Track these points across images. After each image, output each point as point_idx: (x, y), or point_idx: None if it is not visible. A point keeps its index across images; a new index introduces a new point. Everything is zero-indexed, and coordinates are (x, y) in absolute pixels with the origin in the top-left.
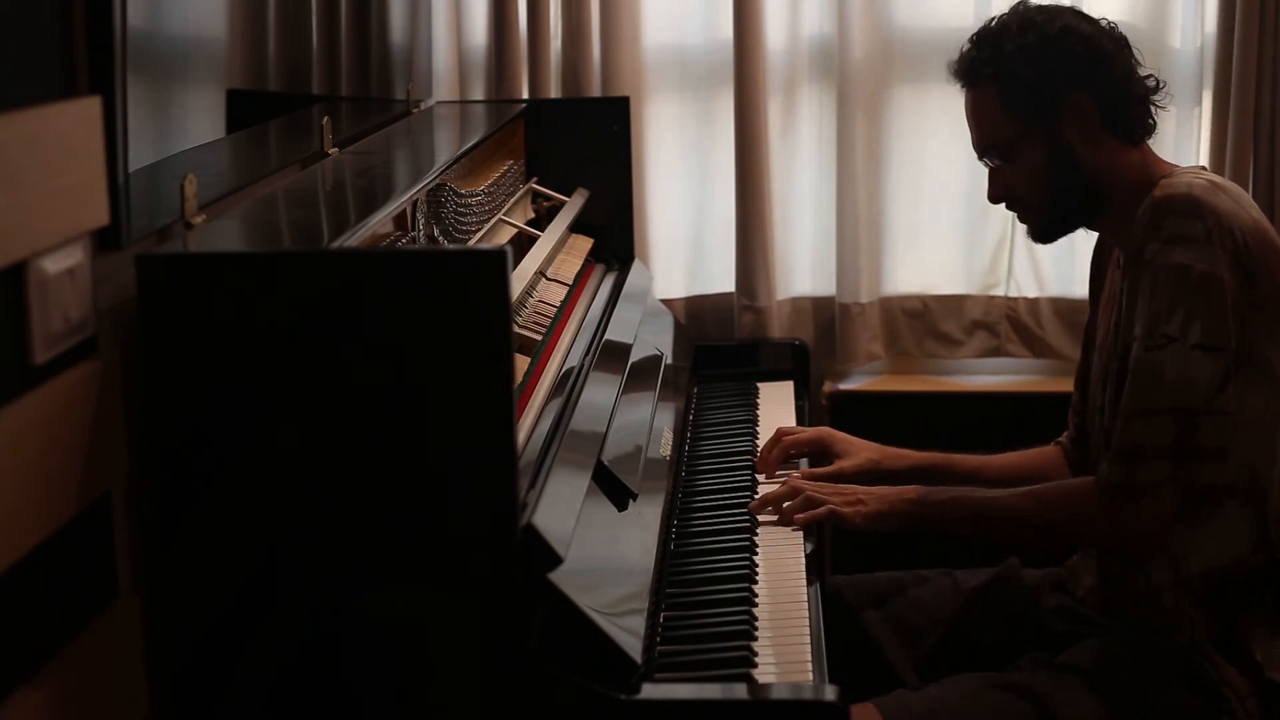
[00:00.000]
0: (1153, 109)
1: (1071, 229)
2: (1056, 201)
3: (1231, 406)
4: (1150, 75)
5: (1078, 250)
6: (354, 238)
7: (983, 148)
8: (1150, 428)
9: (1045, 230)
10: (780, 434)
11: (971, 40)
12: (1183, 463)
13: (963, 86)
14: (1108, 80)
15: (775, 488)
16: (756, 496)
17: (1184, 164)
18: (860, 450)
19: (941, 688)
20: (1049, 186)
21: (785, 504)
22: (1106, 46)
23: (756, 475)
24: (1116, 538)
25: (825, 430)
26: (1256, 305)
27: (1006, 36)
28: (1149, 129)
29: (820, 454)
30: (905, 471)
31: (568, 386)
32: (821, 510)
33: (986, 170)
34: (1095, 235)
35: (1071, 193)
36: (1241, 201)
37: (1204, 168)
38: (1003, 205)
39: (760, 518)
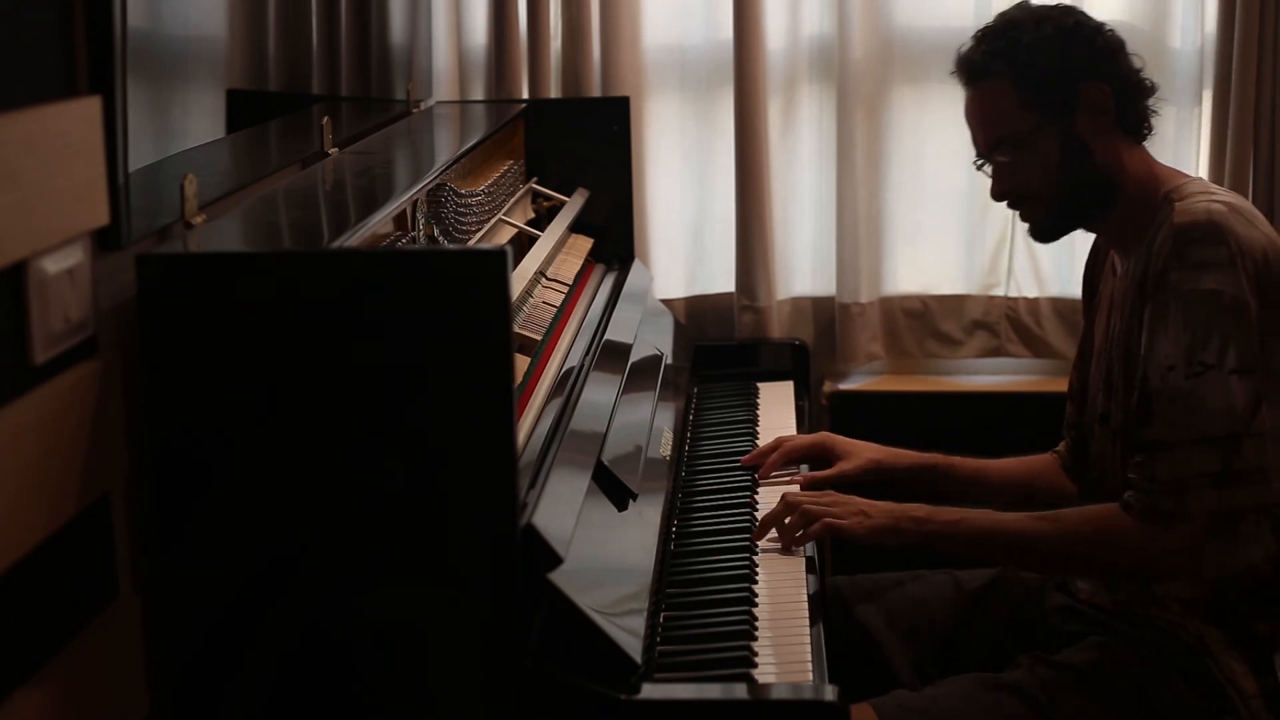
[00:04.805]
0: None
1: (1074, 227)
2: (1068, 195)
3: (1266, 426)
4: (1148, 78)
5: (1077, 250)
6: (354, 238)
7: (992, 143)
8: (1198, 456)
9: (1049, 228)
10: (780, 440)
11: (977, 37)
12: (1228, 487)
13: (966, 84)
14: (1123, 72)
15: (773, 509)
16: (757, 496)
17: (1183, 166)
18: (861, 451)
19: (938, 688)
20: (1062, 180)
21: (785, 521)
22: (1116, 42)
23: (756, 475)
24: (1148, 563)
25: (825, 435)
26: (1273, 323)
27: (1022, 30)
28: (1150, 129)
29: (821, 458)
30: (906, 471)
31: (568, 386)
32: (816, 527)
33: (990, 169)
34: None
35: (1083, 187)
36: (1255, 221)
37: (1208, 182)
38: (1004, 204)
39: (761, 544)
